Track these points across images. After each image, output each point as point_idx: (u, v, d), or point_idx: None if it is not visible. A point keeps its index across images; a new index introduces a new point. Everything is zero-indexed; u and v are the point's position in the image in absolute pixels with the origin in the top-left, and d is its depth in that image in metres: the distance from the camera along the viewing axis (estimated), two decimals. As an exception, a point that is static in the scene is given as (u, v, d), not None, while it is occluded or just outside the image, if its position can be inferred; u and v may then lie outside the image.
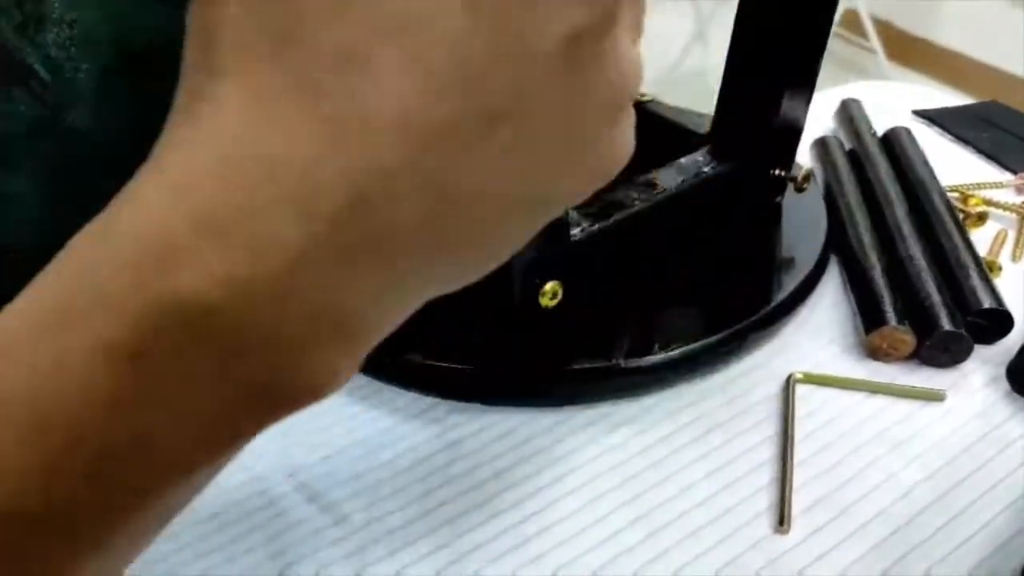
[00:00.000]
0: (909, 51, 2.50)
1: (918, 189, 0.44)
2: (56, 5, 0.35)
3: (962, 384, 0.35)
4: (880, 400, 0.34)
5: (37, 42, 0.35)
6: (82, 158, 0.38)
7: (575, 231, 0.35)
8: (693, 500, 0.30)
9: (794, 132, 0.40)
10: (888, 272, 0.38)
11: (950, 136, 0.54)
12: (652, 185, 0.38)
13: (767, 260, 0.41)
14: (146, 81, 0.38)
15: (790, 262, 0.40)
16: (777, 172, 0.41)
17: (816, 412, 0.34)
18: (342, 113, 0.14)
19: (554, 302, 0.32)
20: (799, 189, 0.41)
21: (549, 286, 0.32)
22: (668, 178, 0.38)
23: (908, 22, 2.51)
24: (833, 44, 0.41)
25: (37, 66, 0.35)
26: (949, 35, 2.38)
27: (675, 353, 0.34)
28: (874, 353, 0.35)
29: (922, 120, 0.56)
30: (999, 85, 2.20)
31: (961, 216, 0.44)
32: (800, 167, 0.42)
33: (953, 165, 0.50)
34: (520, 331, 0.30)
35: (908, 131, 0.49)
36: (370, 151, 0.14)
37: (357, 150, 0.14)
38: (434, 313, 0.20)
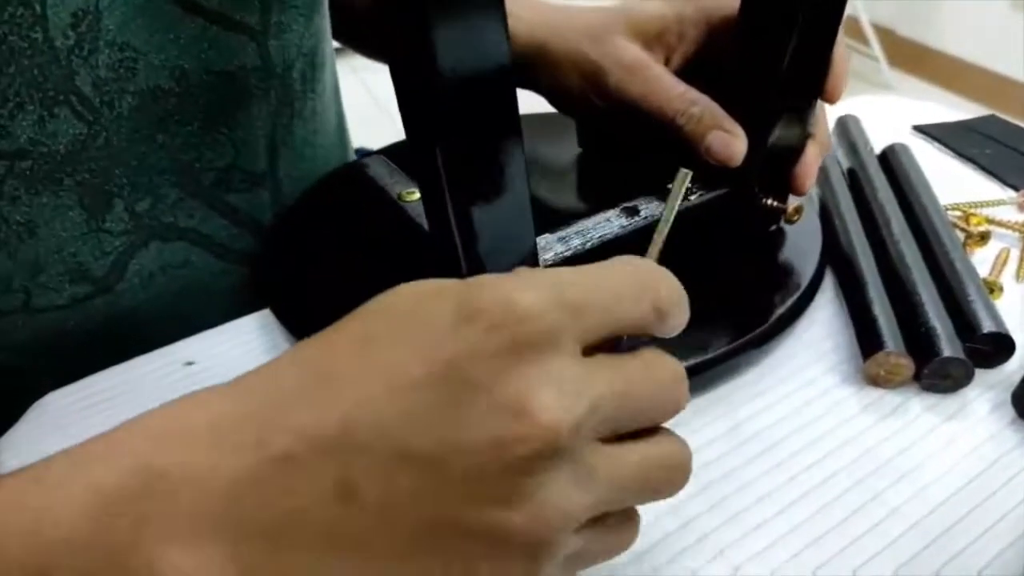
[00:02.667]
0: (911, 58, 2.49)
1: (916, 209, 0.43)
2: (110, 28, 0.35)
3: (966, 411, 0.34)
4: (883, 429, 0.33)
5: (90, 63, 0.35)
6: (111, 174, 0.38)
7: (549, 256, 0.35)
8: (680, 519, 0.29)
9: (789, 161, 0.39)
10: (886, 295, 0.37)
11: (950, 152, 0.53)
12: (635, 211, 0.38)
13: (760, 281, 0.40)
14: (190, 103, 0.39)
15: (784, 283, 0.39)
16: (770, 202, 0.40)
17: (819, 441, 0.33)
18: None
19: None
20: (789, 221, 0.40)
21: None
22: (651, 204, 0.38)
23: (910, 29, 2.51)
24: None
25: (86, 88, 0.35)
26: (951, 42, 2.38)
27: None
28: (872, 379, 0.34)
29: (922, 136, 0.55)
30: (1001, 91, 2.19)
31: (963, 236, 0.43)
32: (794, 198, 0.41)
33: (954, 182, 0.49)
34: None
35: (906, 148, 0.49)
36: None
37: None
38: None
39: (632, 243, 0.37)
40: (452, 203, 0.28)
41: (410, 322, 0.20)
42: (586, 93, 0.41)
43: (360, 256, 0.42)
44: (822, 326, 0.39)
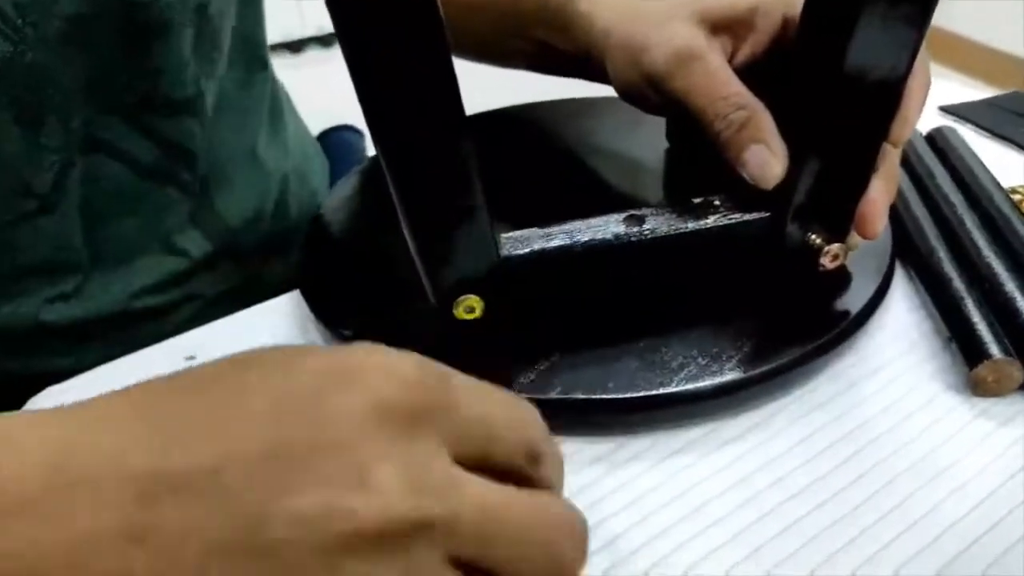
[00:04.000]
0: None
1: (980, 195, 0.40)
2: None
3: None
4: (968, 438, 0.31)
5: None
6: (42, 92, 0.38)
7: (523, 251, 0.32)
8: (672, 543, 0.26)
9: (848, 196, 0.33)
10: (974, 292, 0.34)
11: (983, 132, 0.51)
12: (639, 220, 0.34)
13: (831, 279, 0.36)
14: (109, 28, 0.39)
15: (856, 279, 0.36)
16: (813, 237, 0.34)
17: (919, 448, 0.30)
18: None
19: (471, 316, 0.32)
20: (825, 268, 0.35)
21: (473, 300, 0.32)
22: (660, 217, 0.34)
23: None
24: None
25: (8, 8, 0.36)
26: (956, 20, 2.35)
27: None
28: (977, 388, 0.32)
29: (951, 117, 0.53)
30: (1007, 70, 2.17)
31: (1024, 221, 0.41)
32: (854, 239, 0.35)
33: (993, 163, 0.46)
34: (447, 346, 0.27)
35: (955, 131, 0.46)
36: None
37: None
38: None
39: (619, 256, 0.33)
40: (396, 189, 0.28)
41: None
42: (639, 82, 0.37)
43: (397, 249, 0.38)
44: (897, 326, 0.36)
